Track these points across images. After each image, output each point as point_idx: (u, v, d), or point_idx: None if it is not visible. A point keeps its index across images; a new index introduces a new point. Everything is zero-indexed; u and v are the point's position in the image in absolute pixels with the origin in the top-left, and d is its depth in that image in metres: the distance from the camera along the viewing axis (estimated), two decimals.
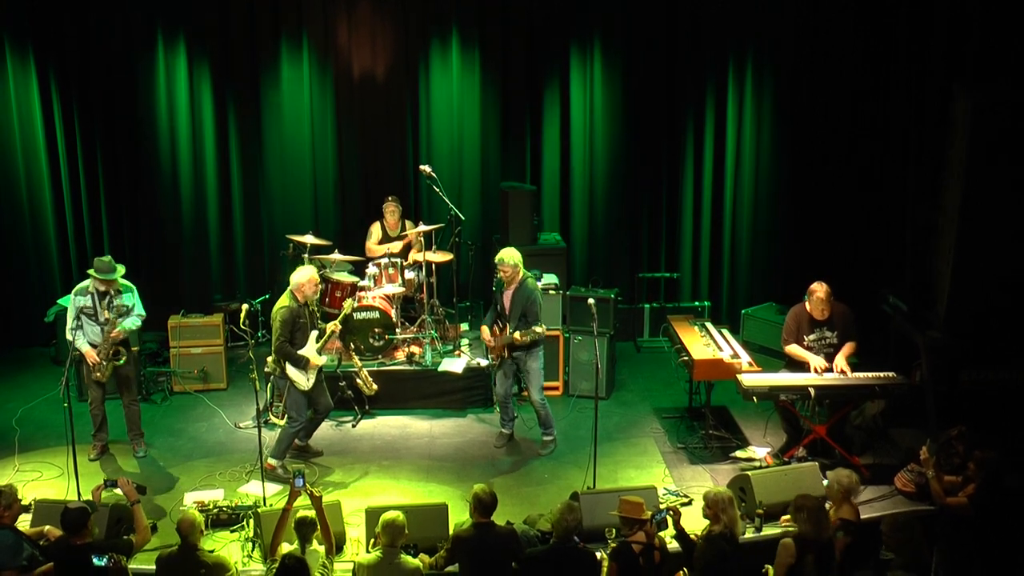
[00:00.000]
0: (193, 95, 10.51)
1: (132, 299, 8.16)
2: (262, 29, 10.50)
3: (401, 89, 10.77)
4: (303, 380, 7.93)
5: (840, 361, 7.89)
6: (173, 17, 10.29)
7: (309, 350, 7.94)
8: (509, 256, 8.16)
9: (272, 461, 7.98)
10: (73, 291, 8.10)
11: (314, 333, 8.00)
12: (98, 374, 8.05)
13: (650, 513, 6.15)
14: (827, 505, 6.45)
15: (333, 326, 8.25)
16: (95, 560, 5.88)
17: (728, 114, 10.76)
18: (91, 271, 8.02)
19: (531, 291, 8.17)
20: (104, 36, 10.24)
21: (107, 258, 8.05)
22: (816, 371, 7.84)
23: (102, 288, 7.99)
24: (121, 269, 8.09)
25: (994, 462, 6.59)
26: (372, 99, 10.80)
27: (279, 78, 10.59)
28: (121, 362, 8.11)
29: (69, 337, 7.91)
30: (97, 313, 8.00)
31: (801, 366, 8.00)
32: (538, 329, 8.06)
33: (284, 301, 7.93)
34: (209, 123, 10.62)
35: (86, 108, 10.41)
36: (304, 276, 7.96)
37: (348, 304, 8.62)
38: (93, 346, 8.02)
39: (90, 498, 6.76)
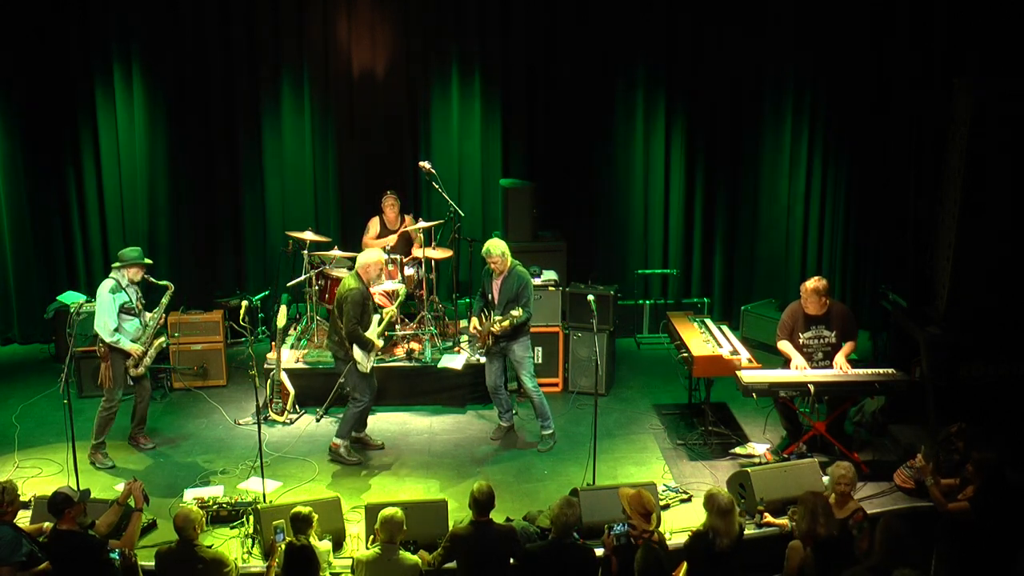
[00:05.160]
0: None
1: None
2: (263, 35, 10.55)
3: (400, 85, 10.75)
4: (366, 363, 7.95)
5: (840, 359, 7.87)
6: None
7: (372, 334, 7.96)
8: (495, 246, 8.19)
9: (337, 441, 8.10)
10: (108, 290, 7.79)
11: (376, 317, 8.03)
12: (141, 368, 7.94)
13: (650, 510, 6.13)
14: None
15: (392, 312, 8.29)
16: (110, 555, 6.00)
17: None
18: (118, 264, 7.84)
19: (520, 276, 8.18)
20: None
21: (131, 247, 8.01)
22: (796, 369, 7.82)
23: (137, 278, 7.90)
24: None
25: (992, 462, 6.52)
26: (371, 96, 10.79)
27: (279, 80, 10.60)
28: (165, 341, 8.12)
29: (110, 339, 7.73)
30: (136, 306, 7.92)
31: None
32: (515, 312, 8.03)
33: (351, 283, 7.88)
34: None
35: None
36: (371, 257, 7.95)
37: (402, 291, 8.66)
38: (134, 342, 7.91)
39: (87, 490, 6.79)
